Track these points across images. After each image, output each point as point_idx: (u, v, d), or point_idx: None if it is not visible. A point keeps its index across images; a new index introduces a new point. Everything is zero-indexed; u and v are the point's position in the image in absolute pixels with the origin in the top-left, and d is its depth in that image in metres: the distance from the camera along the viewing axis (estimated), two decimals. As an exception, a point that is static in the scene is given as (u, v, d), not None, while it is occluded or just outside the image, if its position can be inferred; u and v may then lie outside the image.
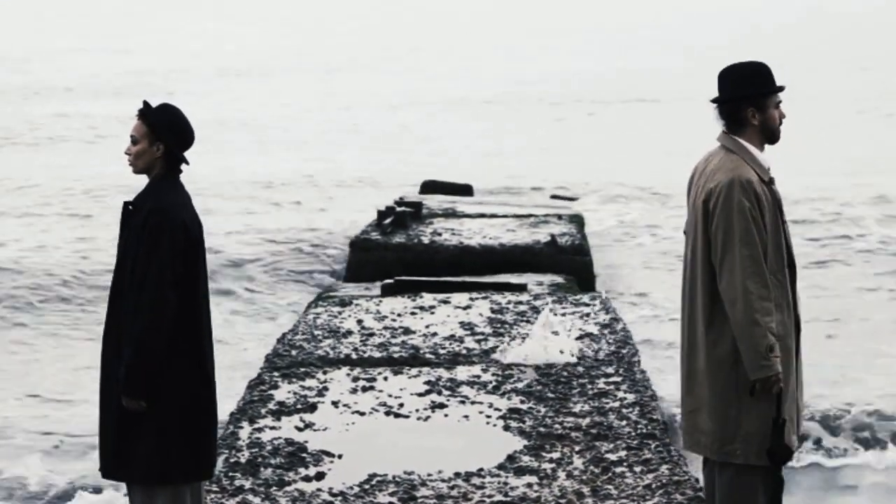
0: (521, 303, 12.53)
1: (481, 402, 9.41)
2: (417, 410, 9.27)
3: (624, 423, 8.92)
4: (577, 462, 8.21)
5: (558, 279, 14.11)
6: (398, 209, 16.20)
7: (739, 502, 6.40)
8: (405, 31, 63.78)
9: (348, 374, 10.11)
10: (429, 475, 8.03)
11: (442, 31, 63.93)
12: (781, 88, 6.45)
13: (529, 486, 7.84)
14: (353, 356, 10.64)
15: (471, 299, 12.68)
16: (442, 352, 10.76)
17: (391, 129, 31.26)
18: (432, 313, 12.13)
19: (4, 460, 10.39)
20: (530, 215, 17.03)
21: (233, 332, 14.20)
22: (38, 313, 14.76)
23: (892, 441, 11.11)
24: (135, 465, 6.24)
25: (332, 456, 8.36)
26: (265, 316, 14.93)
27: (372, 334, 11.34)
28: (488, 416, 9.12)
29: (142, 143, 6.27)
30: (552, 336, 10.64)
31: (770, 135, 6.44)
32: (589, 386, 9.77)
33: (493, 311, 12.18)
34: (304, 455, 8.35)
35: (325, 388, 9.74)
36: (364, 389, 9.74)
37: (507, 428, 8.88)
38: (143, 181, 6.37)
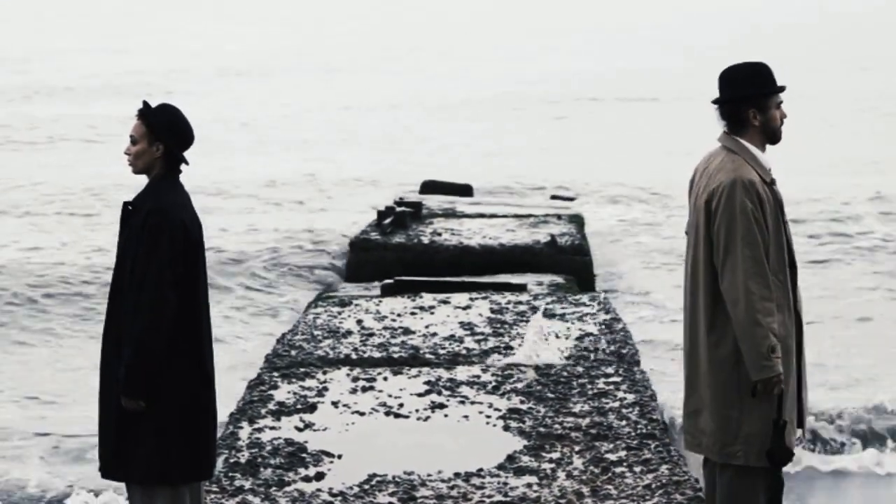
0: (520, 303, 12.53)
1: (481, 403, 9.41)
2: (417, 410, 9.27)
3: (624, 423, 8.92)
4: (577, 462, 8.21)
5: (558, 279, 14.11)
6: (398, 209, 16.20)
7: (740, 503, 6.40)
8: (405, 31, 63.77)
9: (348, 375, 10.11)
10: (428, 475, 8.02)
11: (442, 31, 63.93)
12: (782, 89, 6.44)
13: (529, 486, 7.84)
14: (353, 356, 10.63)
15: (470, 299, 12.68)
16: (442, 352, 10.76)
17: (391, 129, 31.26)
18: (432, 313, 12.13)
19: (3, 462, 10.38)
20: (530, 215, 17.03)
21: (232, 332, 14.20)
22: (38, 313, 14.75)
23: (893, 439, 11.10)
24: (134, 465, 6.24)
25: (332, 456, 8.35)
26: (265, 316, 14.92)
27: (372, 334, 11.34)
28: (488, 417, 9.12)
29: (141, 144, 6.27)
30: (543, 344, 10.65)
31: (771, 135, 6.44)
32: (589, 386, 9.77)
33: (492, 311, 12.18)
34: (303, 455, 8.34)
35: (325, 389, 9.74)
36: (364, 390, 9.73)
37: (506, 428, 8.88)
38: (142, 181, 6.37)
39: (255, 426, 8.88)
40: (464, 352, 10.75)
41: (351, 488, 7.83)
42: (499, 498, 7.68)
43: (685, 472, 7.99)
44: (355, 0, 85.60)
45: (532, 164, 25.45)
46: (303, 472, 8.09)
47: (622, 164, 25.34)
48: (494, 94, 37.85)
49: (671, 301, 14.93)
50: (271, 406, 9.32)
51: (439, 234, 15.56)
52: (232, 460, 8.22)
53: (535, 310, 12.18)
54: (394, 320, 11.84)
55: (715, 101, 6.46)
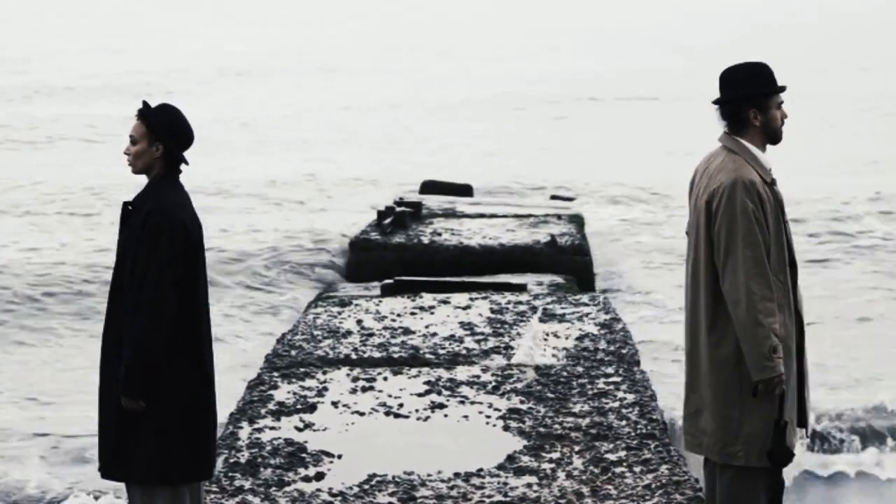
0: (520, 303, 12.53)
1: (481, 403, 9.41)
2: (417, 411, 9.27)
3: (623, 423, 8.91)
4: (577, 462, 8.20)
5: (558, 279, 14.11)
6: (398, 209, 16.20)
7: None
8: (405, 31, 63.77)
9: (348, 375, 10.11)
10: (428, 475, 8.02)
11: (442, 31, 63.93)
12: (783, 89, 6.44)
13: (529, 486, 7.84)
14: (353, 356, 10.63)
15: (470, 299, 12.68)
16: (441, 352, 10.76)
17: (391, 129, 31.25)
18: (432, 313, 12.13)
19: (2, 463, 10.37)
20: (530, 215, 17.03)
21: (232, 332, 14.20)
22: (37, 313, 14.75)
23: (894, 438, 11.09)
24: (134, 466, 6.24)
25: (332, 456, 8.35)
26: (265, 316, 14.92)
27: (372, 334, 11.34)
28: (488, 417, 9.11)
29: (141, 144, 6.27)
30: (539, 350, 10.66)
31: (772, 135, 6.43)
32: (588, 386, 9.77)
33: (492, 311, 12.18)
34: (303, 455, 8.34)
35: (325, 389, 9.74)
36: (364, 390, 9.73)
37: (506, 428, 8.88)
38: (142, 181, 6.37)
39: (255, 426, 8.88)
40: (464, 352, 10.75)
41: (351, 488, 7.83)
42: (499, 498, 7.68)
43: (685, 472, 7.99)
44: (355, 0, 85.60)
45: (532, 164, 25.45)
46: (303, 472, 8.09)
47: (622, 164, 25.34)
48: (494, 94, 37.85)
49: (671, 301, 14.93)
50: (271, 406, 9.32)
51: (439, 234, 15.56)
52: (232, 460, 8.22)
53: (534, 310, 12.18)
54: (394, 320, 11.84)
55: (715, 102, 6.46)
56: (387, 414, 9.21)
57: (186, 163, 6.34)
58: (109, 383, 6.25)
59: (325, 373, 10.15)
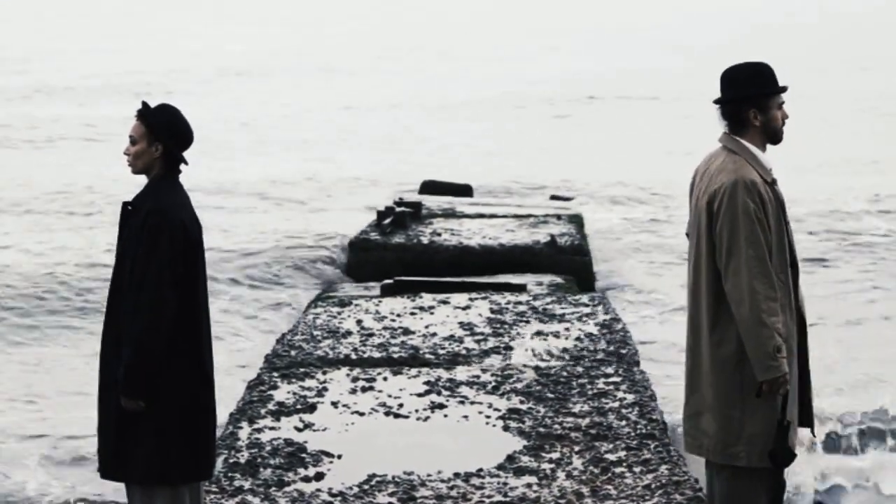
0: (520, 303, 12.53)
1: (481, 403, 9.41)
2: (417, 411, 9.26)
3: (623, 423, 8.91)
4: (577, 462, 8.20)
5: (558, 279, 14.11)
6: (398, 209, 16.20)
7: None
8: (405, 31, 63.76)
9: (348, 375, 10.10)
10: (428, 475, 8.02)
11: (442, 31, 63.92)
12: (784, 89, 6.43)
13: (529, 486, 7.84)
14: (353, 356, 10.63)
15: (470, 299, 12.67)
16: (441, 352, 10.75)
17: (391, 129, 31.25)
18: (432, 313, 12.13)
19: (1, 465, 10.34)
20: (530, 215, 17.03)
21: (232, 332, 14.18)
22: (36, 314, 14.73)
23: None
24: (134, 466, 6.24)
25: (332, 456, 8.35)
26: (264, 316, 14.91)
27: (371, 334, 11.33)
28: (488, 417, 9.11)
29: (140, 144, 6.27)
30: (533, 354, 10.68)
31: (772, 135, 6.43)
32: (588, 386, 9.76)
33: (492, 311, 12.18)
34: (303, 455, 8.34)
35: (325, 389, 9.73)
36: (363, 390, 9.73)
37: (506, 428, 8.88)
38: (142, 181, 6.37)
39: (255, 426, 8.87)
40: (463, 352, 10.75)
41: (351, 488, 7.83)
42: (498, 498, 7.68)
43: (685, 472, 7.99)
44: (355, 0, 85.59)
45: (532, 164, 25.44)
46: (302, 472, 8.09)
47: (622, 164, 25.33)
48: (494, 94, 37.85)
49: (671, 301, 14.92)
50: (271, 406, 9.32)
51: (439, 235, 15.56)
52: (231, 460, 8.22)
53: (535, 310, 12.18)
54: (393, 320, 11.84)
55: (716, 101, 6.45)
56: (387, 414, 9.21)
57: (186, 163, 6.34)
58: (109, 383, 6.25)
59: (324, 373, 10.15)
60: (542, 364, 10.36)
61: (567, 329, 11.51)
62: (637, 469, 8.07)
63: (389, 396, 9.56)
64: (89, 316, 14.48)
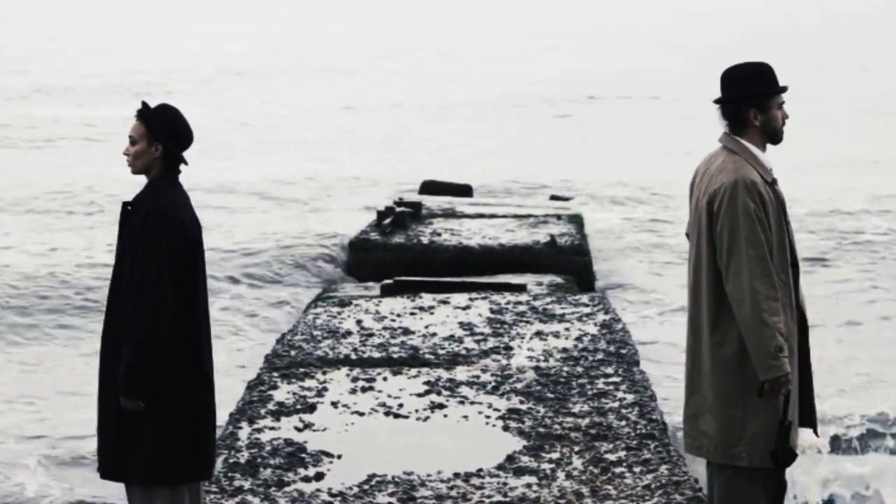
0: (520, 303, 12.52)
1: (480, 403, 9.41)
2: (417, 411, 9.26)
3: (623, 423, 8.91)
4: (577, 462, 8.20)
5: (558, 279, 14.11)
6: (397, 209, 16.20)
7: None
8: (405, 31, 63.76)
9: (348, 375, 10.10)
10: (428, 475, 8.02)
11: (442, 31, 63.92)
12: (784, 89, 6.43)
13: (529, 486, 7.84)
14: (353, 356, 10.63)
15: (470, 300, 12.67)
16: (441, 352, 10.75)
17: (391, 129, 31.25)
18: (432, 313, 12.12)
19: (1, 465, 10.33)
20: (530, 215, 17.02)
21: (232, 332, 14.19)
22: (36, 314, 14.73)
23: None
24: (133, 466, 6.24)
25: (332, 456, 8.35)
26: (264, 316, 14.91)
27: (371, 335, 11.33)
28: (487, 417, 9.11)
29: (140, 144, 6.27)
30: (533, 354, 10.68)
31: (773, 135, 6.42)
32: (588, 386, 9.76)
33: (492, 311, 12.18)
34: (303, 455, 8.34)
35: (325, 389, 9.73)
36: (363, 390, 9.73)
37: (506, 428, 8.88)
38: (142, 181, 6.37)
39: (255, 426, 8.87)
40: (463, 352, 10.74)
41: (350, 488, 7.83)
42: (498, 498, 7.68)
43: (685, 472, 7.99)
44: (355, 0, 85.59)
45: (532, 164, 25.44)
46: (302, 472, 8.09)
47: (622, 164, 25.33)
48: (494, 94, 37.85)
49: (671, 301, 14.92)
50: (271, 406, 9.32)
51: (439, 235, 15.56)
52: (231, 460, 8.22)
53: (534, 310, 12.18)
54: (393, 320, 11.84)
55: (716, 101, 6.45)
56: (386, 414, 9.21)
57: (186, 163, 6.34)
58: (109, 383, 6.24)
59: (324, 373, 10.15)
60: (542, 364, 10.35)
61: (567, 329, 11.50)
62: (637, 469, 8.07)
63: (389, 396, 9.56)
64: (89, 316, 14.48)
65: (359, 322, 11.78)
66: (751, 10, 76.20)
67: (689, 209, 6.56)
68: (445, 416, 9.19)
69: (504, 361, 10.45)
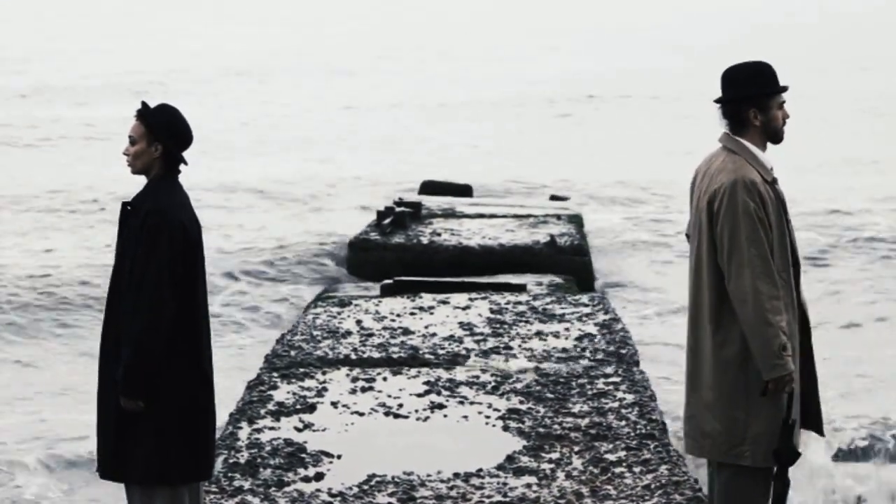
0: (520, 303, 12.52)
1: (480, 403, 9.40)
2: (416, 411, 9.26)
3: (623, 423, 8.91)
4: (577, 462, 8.20)
5: (557, 279, 14.11)
6: (397, 209, 16.20)
7: (737, 503, 6.39)
8: (405, 31, 63.75)
9: (347, 375, 10.10)
10: (428, 476, 8.02)
11: (442, 31, 63.91)
12: (784, 89, 6.42)
13: (528, 486, 7.83)
14: (353, 356, 10.63)
15: (470, 300, 12.67)
16: (441, 352, 10.75)
17: (391, 129, 31.25)
18: (431, 314, 12.12)
19: (0, 466, 10.32)
20: (529, 216, 17.02)
21: (231, 332, 14.19)
22: (35, 314, 14.73)
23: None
24: (133, 466, 6.23)
25: (332, 456, 8.35)
26: (264, 316, 14.91)
27: (371, 335, 11.33)
28: (487, 417, 9.11)
29: (140, 144, 6.27)
30: (533, 354, 10.68)
31: (773, 135, 6.42)
32: (588, 386, 9.76)
33: (492, 311, 12.18)
34: (303, 455, 8.34)
35: (325, 389, 9.73)
36: (363, 390, 9.73)
37: (506, 428, 8.87)
38: (142, 181, 6.37)
39: (255, 426, 8.87)
40: (463, 352, 10.74)
41: (350, 489, 7.82)
42: (498, 498, 7.68)
43: (684, 472, 7.98)
44: (355, 0, 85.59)
45: (532, 164, 25.44)
46: (302, 472, 8.08)
47: (622, 164, 25.33)
48: (494, 94, 37.84)
49: (671, 301, 14.93)
50: (271, 406, 9.31)
51: (439, 235, 15.56)
52: (231, 461, 8.22)
53: (534, 310, 12.17)
54: (393, 320, 11.84)
55: (716, 101, 6.45)
56: (386, 414, 9.20)
57: (185, 163, 6.34)
58: (108, 384, 6.24)
59: (324, 373, 10.14)
60: (542, 364, 10.35)
61: (567, 329, 11.50)
62: (637, 469, 8.07)
63: (389, 396, 9.56)
64: (89, 316, 14.48)
65: (359, 322, 11.78)
66: (751, 10, 76.18)
67: (689, 209, 6.56)
68: (445, 416, 9.18)
69: (504, 362, 10.44)
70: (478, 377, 10.01)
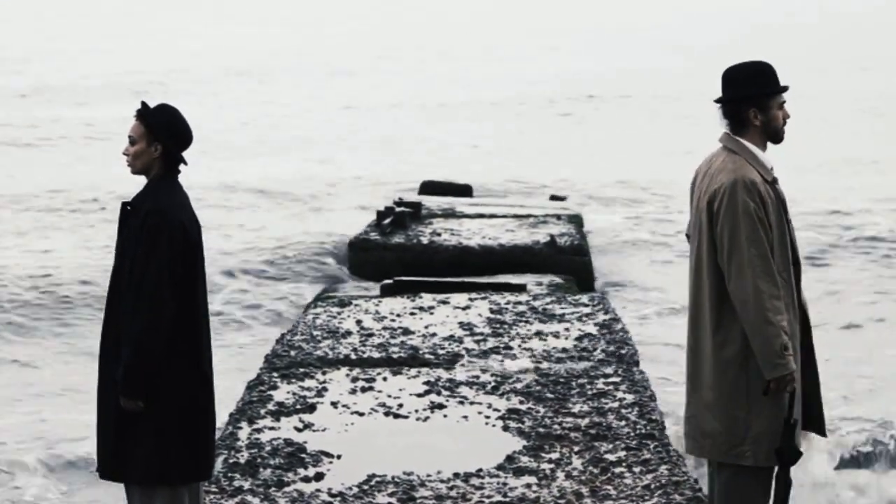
0: (520, 303, 12.52)
1: (480, 403, 9.40)
2: (416, 411, 9.26)
3: (623, 423, 8.91)
4: (577, 462, 8.20)
5: (557, 279, 14.11)
6: (397, 209, 16.19)
7: (737, 503, 6.38)
8: (405, 31, 63.75)
9: (347, 375, 10.10)
10: (428, 476, 8.02)
11: (442, 31, 63.91)
12: (785, 88, 6.42)
13: (528, 486, 7.83)
14: (353, 356, 10.63)
15: (470, 300, 12.67)
16: (441, 352, 10.75)
17: (391, 130, 31.25)
18: (431, 314, 12.12)
19: (0, 466, 10.31)
20: (529, 216, 17.03)
21: (231, 332, 14.19)
22: (35, 314, 14.73)
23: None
24: (133, 466, 6.23)
25: (332, 456, 8.35)
26: (263, 316, 14.91)
27: (371, 335, 11.33)
28: (487, 417, 9.11)
29: (140, 144, 6.27)
30: (533, 354, 10.68)
31: (773, 135, 6.42)
32: (588, 386, 9.76)
33: (492, 311, 12.17)
34: (303, 455, 8.34)
35: (325, 389, 9.73)
36: (363, 390, 9.73)
37: (506, 428, 8.87)
38: (142, 181, 6.36)
39: (255, 426, 8.87)
40: (463, 352, 10.74)
41: (350, 489, 7.82)
42: (498, 498, 7.68)
43: (684, 472, 7.98)
44: (355, 0, 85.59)
45: (532, 164, 25.44)
46: (302, 472, 8.08)
47: (622, 164, 25.33)
48: (494, 94, 37.85)
49: (670, 301, 14.92)
50: (270, 406, 9.31)
51: (439, 235, 15.55)
52: (231, 461, 8.21)
53: (534, 310, 12.17)
54: (393, 320, 11.84)
55: (716, 101, 6.44)
56: (386, 414, 9.20)
57: (185, 163, 6.34)
58: (108, 383, 6.24)
59: (324, 373, 10.14)
60: (542, 364, 10.35)
61: (567, 329, 11.50)
62: (637, 469, 8.07)
63: (389, 396, 9.56)
64: (88, 316, 14.48)
65: (359, 322, 11.78)
66: (751, 10, 76.18)
67: (689, 209, 6.56)
68: (445, 416, 9.18)
69: (504, 361, 10.44)
70: (478, 377, 10.01)
